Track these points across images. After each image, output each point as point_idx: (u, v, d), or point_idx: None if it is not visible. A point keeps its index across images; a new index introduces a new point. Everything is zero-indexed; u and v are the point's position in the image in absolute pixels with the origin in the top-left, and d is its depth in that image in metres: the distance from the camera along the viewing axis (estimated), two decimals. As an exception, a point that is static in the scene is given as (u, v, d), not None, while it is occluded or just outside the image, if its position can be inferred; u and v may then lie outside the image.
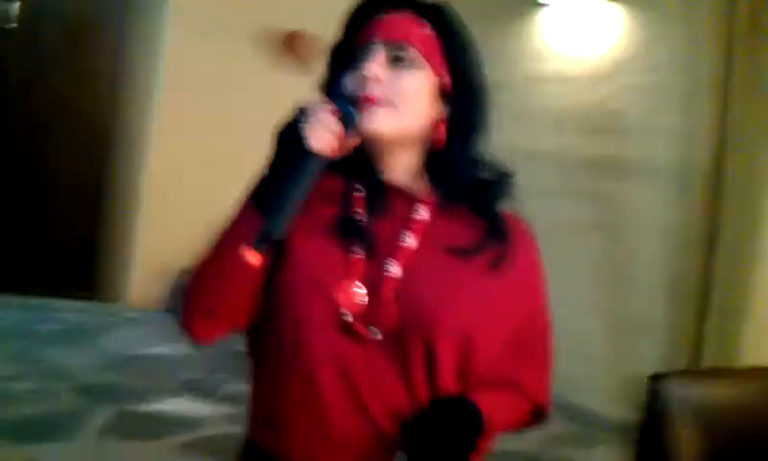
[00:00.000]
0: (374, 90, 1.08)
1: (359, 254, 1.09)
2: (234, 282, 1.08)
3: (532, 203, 4.55)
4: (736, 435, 2.30)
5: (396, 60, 1.10)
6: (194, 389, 3.99)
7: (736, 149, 4.04)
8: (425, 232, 1.12)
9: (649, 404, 2.69)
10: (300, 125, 1.02)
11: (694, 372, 3.18)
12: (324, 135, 1.01)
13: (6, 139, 5.18)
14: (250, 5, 5.48)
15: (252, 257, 0.97)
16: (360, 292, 1.07)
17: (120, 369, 4.09)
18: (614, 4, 4.70)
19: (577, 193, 4.82)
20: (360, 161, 1.13)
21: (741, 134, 4.02)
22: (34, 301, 5.05)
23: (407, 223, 1.12)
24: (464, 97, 1.16)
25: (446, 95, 1.15)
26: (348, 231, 1.10)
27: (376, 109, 1.08)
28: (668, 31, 4.46)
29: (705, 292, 4.14)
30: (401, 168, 1.15)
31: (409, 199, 1.14)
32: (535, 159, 5.00)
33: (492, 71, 4.36)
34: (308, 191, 1.02)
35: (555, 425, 4.32)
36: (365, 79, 1.08)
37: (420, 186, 1.16)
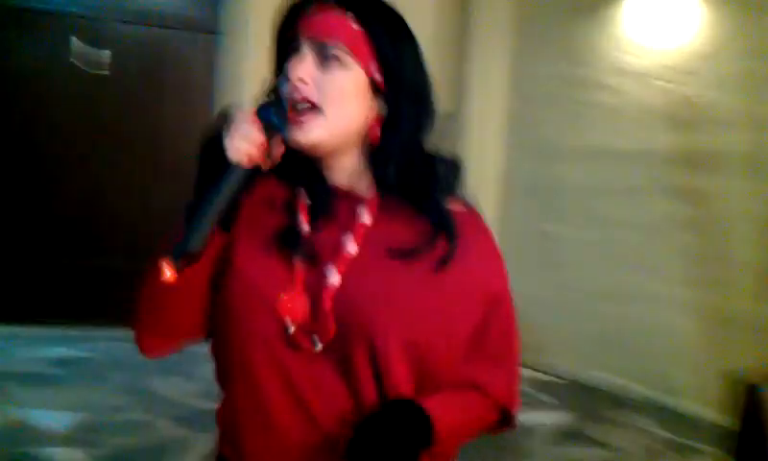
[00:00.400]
0: (300, 91, 1.05)
1: (301, 265, 1.07)
2: (161, 298, 1.08)
3: (622, 201, 4.55)
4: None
5: (323, 59, 1.06)
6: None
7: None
8: (367, 236, 1.09)
9: (748, 413, 2.63)
10: (223, 134, 1.00)
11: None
12: (242, 146, 0.99)
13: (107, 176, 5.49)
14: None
15: (168, 272, 0.95)
16: (301, 303, 1.06)
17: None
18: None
19: (668, 190, 4.72)
20: (305, 167, 1.11)
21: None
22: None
23: (350, 228, 1.09)
24: (397, 93, 1.10)
25: (380, 92, 1.10)
26: (288, 242, 1.08)
27: (304, 121, 1.05)
28: (751, 20, 4.35)
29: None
30: (343, 170, 1.12)
31: (352, 201, 1.11)
32: (624, 158, 4.96)
33: (579, 67, 4.40)
34: (231, 202, 1.00)
35: (651, 429, 4.27)
36: (293, 81, 1.06)
37: (363, 187, 1.12)
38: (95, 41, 5.39)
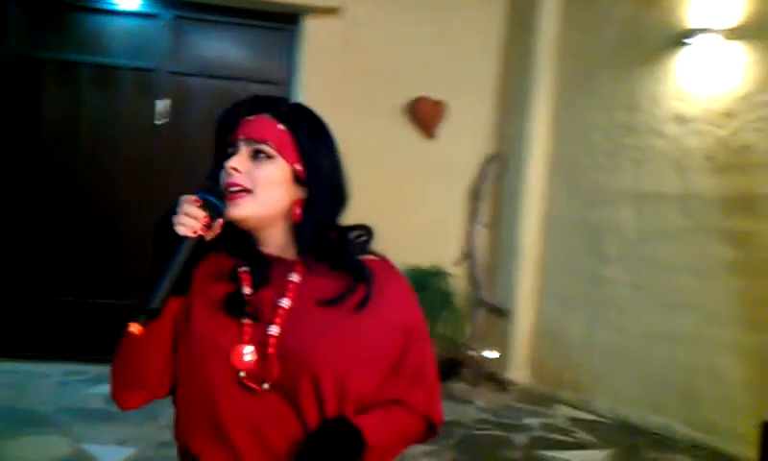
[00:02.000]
0: (235, 179, 1.32)
1: (247, 322, 1.31)
2: (131, 354, 1.33)
3: (669, 245, 4.58)
4: None
5: (256, 155, 1.34)
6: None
7: None
8: (298, 292, 1.34)
9: (763, 448, 2.65)
10: (172, 216, 1.24)
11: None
12: (187, 222, 1.23)
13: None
14: (370, 80, 5.88)
15: (134, 328, 1.19)
16: (248, 353, 1.29)
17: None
18: (733, 42, 4.65)
19: (715, 233, 4.71)
20: (244, 243, 1.37)
21: None
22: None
23: (283, 287, 1.34)
24: (314, 181, 1.37)
25: (301, 180, 1.37)
26: (235, 305, 1.32)
27: (238, 199, 1.31)
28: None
29: None
30: (273, 242, 1.38)
31: (283, 266, 1.36)
32: (670, 201, 4.98)
33: (619, 113, 4.46)
34: (184, 268, 1.24)
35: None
36: (229, 170, 1.32)
37: (292, 255, 1.37)
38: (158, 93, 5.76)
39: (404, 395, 1.38)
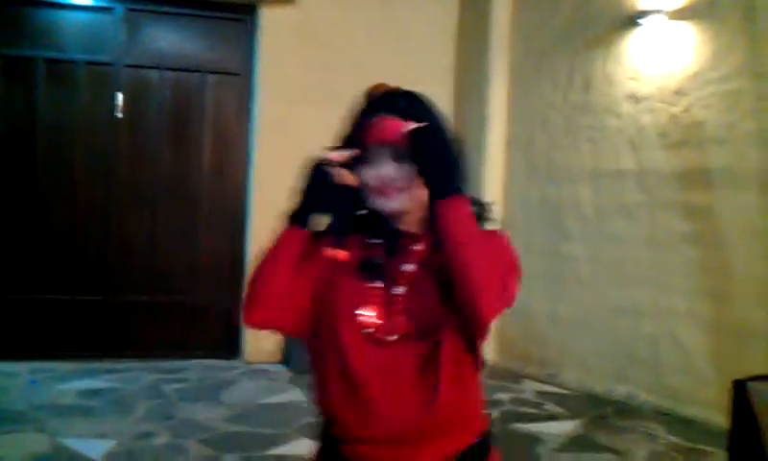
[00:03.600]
0: (391, 185, 1.47)
1: (378, 284, 1.49)
2: (284, 270, 1.49)
3: (628, 220, 4.72)
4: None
5: (396, 155, 1.46)
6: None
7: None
8: (422, 259, 1.50)
9: (734, 408, 2.79)
10: (325, 169, 1.47)
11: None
12: (341, 176, 1.46)
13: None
14: (328, 69, 5.92)
15: (341, 254, 1.49)
16: (376, 311, 1.47)
17: (244, 419, 4.42)
18: (681, 22, 4.81)
19: (671, 207, 4.90)
20: (380, 219, 1.53)
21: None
22: (159, 364, 5.53)
23: (409, 255, 1.51)
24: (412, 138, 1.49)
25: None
26: (368, 269, 1.51)
27: (391, 196, 1.48)
28: (733, 41, 4.54)
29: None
30: (407, 222, 1.52)
31: (413, 239, 1.52)
32: (627, 177, 5.14)
33: (573, 93, 4.62)
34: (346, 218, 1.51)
35: (660, 434, 4.41)
36: (383, 178, 1.48)
37: (422, 229, 1.53)
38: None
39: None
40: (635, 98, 5.13)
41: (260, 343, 5.72)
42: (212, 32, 5.98)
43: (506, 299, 1.45)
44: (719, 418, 4.09)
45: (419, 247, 1.51)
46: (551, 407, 4.94)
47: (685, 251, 4.81)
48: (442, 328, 1.44)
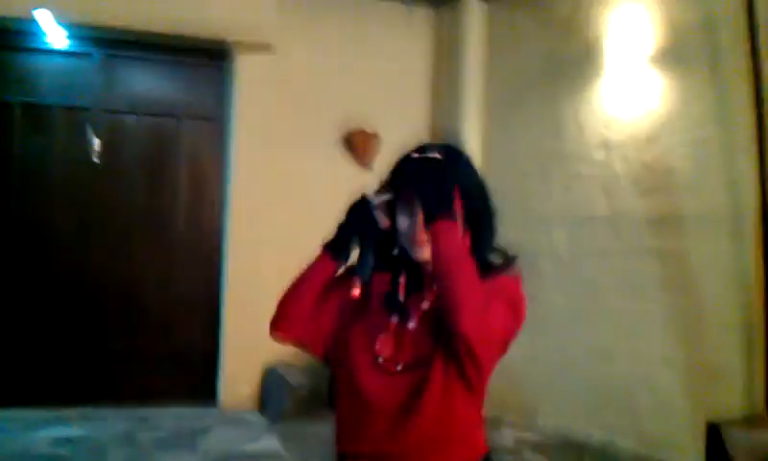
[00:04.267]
0: (423, 236, 1.61)
1: (394, 318, 1.66)
2: (311, 294, 1.68)
3: (602, 265, 4.69)
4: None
5: None
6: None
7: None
8: (436, 299, 1.61)
9: (708, 453, 2.80)
10: (370, 205, 1.65)
11: (753, 417, 3.25)
12: (382, 220, 1.65)
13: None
14: (304, 114, 5.97)
15: (356, 290, 1.61)
16: (389, 342, 1.64)
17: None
18: (651, 69, 4.91)
19: (645, 253, 4.94)
20: (407, 259, 1.69)
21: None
22: (132, 411, 5.43)
23: (429, 294, 1.66)
24: (474, 216, 1.69)
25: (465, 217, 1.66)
26: (390, 304, 1.68)
27: (424, 246, 1.62)
28: (701, 88, 4.64)
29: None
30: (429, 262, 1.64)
31: (430, 277, 1.65)
32: (600, 223, 5.19)
33: (545, 139, 4.66)
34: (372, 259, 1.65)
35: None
36: (414, 227, 1.63)
37: None
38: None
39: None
40: (607, 145, 5.21)
41: (237, 387, 5.67)
42: (188, 77, 6.03)
43: (486, 322, 1.52)
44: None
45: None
46: (530, 456, 4.91)
47: (658, 295, 4.85)
48: (433, 358, 1.57)
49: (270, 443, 4.91)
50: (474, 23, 6.28)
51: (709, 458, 2.78)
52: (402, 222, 1.65)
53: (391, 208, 1.66)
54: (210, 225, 5.97)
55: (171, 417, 5.42)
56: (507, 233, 5.77)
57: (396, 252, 1.70)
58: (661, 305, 4.83)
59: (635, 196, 5.03)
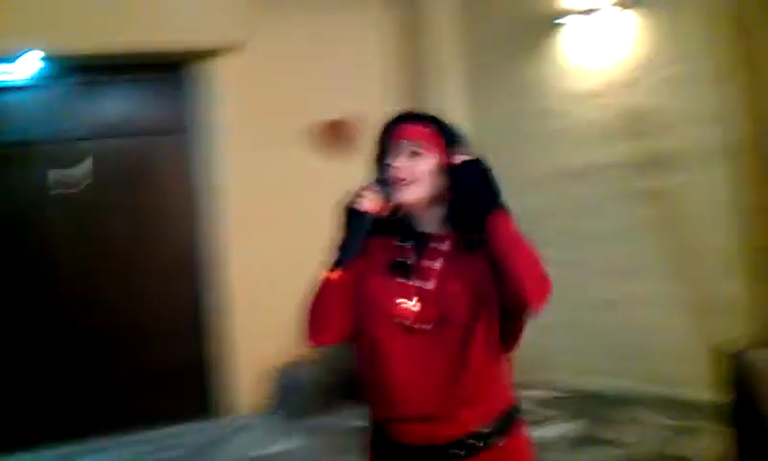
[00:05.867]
0: (399, 174, 1.73)
1: (411, 281, 1.73)
2: (326, 297, 1.73)
3: (591, 216, 4.66)
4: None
5: (413, 154, 1.75)
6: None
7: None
8: (447, 256, 1.73)
9: (736, 381, 2.79)
10: (355, 199, 1.70)
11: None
12: (369, 200, 1.69)
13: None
14: (285, 111, 5.89)
15: (333, 274, 1.67)
16: (413, 304, 1.70)
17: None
18: (627, 10, 4.90)
19: (632, 197, 4.96)
20: (407, 225, 1.79)
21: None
22: (133, 437, 5.26)
23: (437, 254, 1.74)
24: (458, 168, 1.74)
25: (448, 169, 1.74)
26: (401, 269, 1.75)
27: (402, 188, 1.72)
28: (680, 25, 4.63)
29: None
30: (430, 220, 1.77)
31: (438, 239, 1.75)
32: (583, 175, 5.17)
33: (525, 100, 4.61)
34: (366, 235, 1.69)
35: (656, 420, 4.41)
36: (394, 168, 1.74)
37: (445, 229, 1.76)
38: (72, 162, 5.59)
39: None
40: (585, 95, 5.18)
41: (245, 394, 5.63)
42: (153, 92, 5.88)
43: (548, 284, 1.70)
44: (706, 392, 4.17)
45: (444, 246, 1.74)
46: (550, 412, 4.91)
47: (650, 237, 4.87)
48: (470, 317, 1.66)
49: (288, 442, 4.87)
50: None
51: (730, 385, 2.77)
52: (388, 169, 1.74)
53: (383, 187, 1.72)
54: (185, 239, 5.82)
55: (176, 435, 5.29)
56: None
57: (395, 217, 1.76)
58: (654, 247, 4.85)
59: (617, 143, 5.03)
